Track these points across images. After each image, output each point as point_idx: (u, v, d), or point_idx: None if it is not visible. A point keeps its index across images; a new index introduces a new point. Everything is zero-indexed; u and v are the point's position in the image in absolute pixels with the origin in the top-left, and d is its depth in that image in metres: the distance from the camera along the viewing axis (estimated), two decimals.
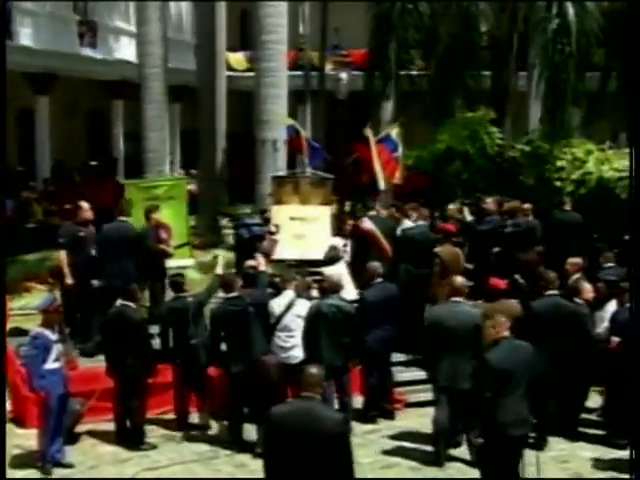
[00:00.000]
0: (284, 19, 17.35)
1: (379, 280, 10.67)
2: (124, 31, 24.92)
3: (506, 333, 7.85)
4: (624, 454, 9.35)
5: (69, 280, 11.21)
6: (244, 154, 24.27)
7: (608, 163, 14.32)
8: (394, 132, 15.07)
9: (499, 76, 16.58)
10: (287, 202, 13.46)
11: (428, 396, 11.01)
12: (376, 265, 10.74)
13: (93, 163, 24.22)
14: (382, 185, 14.38)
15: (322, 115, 21.59)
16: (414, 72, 17.75)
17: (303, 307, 10.04)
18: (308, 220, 13.08)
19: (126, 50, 24.23)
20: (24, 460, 9.44)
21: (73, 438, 9.83)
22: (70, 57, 21.77)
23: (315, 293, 10.78)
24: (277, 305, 10.09)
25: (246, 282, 10.17)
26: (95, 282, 11.35)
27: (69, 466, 9.22)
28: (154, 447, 9.77)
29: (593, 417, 10.68)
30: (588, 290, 10.52)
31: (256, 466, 9.26)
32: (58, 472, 9.11)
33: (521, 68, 16.95)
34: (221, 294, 10.20)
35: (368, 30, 19.74)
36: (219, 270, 10.56)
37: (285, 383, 10.24)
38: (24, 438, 9.92)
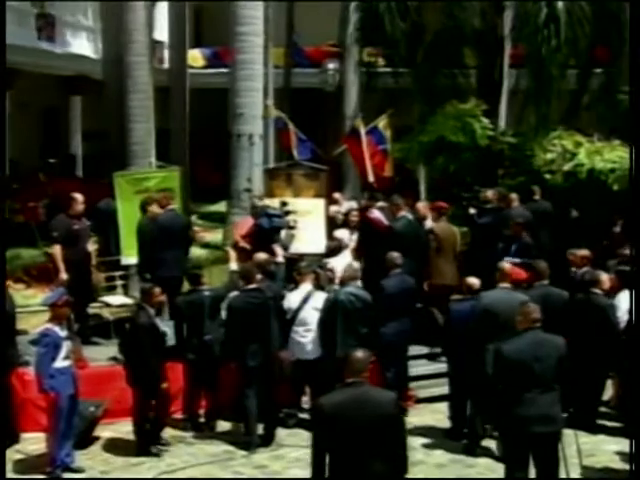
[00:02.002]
0: (260, 11, 16.86)
1: (397, 271, 10.35)
2: (83, 26, 24.16)
3: (533, 324, 7.42)
4: None
5: (64, 275, 10.63)
6: (208, 151, 23.93)
7: (599, 154, 14.15)
8: (381, 124, 14.75)
9: (487, 69, 16.35)
10: (280, 195, 12.97)
11: (436, 391, 10.83)
12: (395, 255, 10.41)
13: (52, 161, 23.44)
14: (371, 178, 14.07)
15: (286, 111, 21.13)
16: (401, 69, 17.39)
17: (321, 300, 9.66)
18: (302, 213, 12.63)
19: (84, 45, 23.48)
20: (27, 465, 8.94)
21: (88, 442, 9.31)
22: (29, 51, 20.96)
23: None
24: (294, 299, 9.70)
25: (264, 275, 9.74)
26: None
27: (79, 470, 8.69)
28: (166, 450, 9.28)
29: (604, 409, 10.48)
30: (606, 281, 10.33)
31: (277, 467, 9.00)
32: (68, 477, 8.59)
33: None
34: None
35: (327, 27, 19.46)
36: (233, 266, 10.14)
37: (300, 380, 9.94)
38: (25, 442, 9.42)
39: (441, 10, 16.42)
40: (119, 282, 12.72)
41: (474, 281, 9.68)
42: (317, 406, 6.06)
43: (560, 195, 14.09)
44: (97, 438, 9.49)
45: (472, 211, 13.36)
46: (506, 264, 9.85)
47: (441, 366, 10.97)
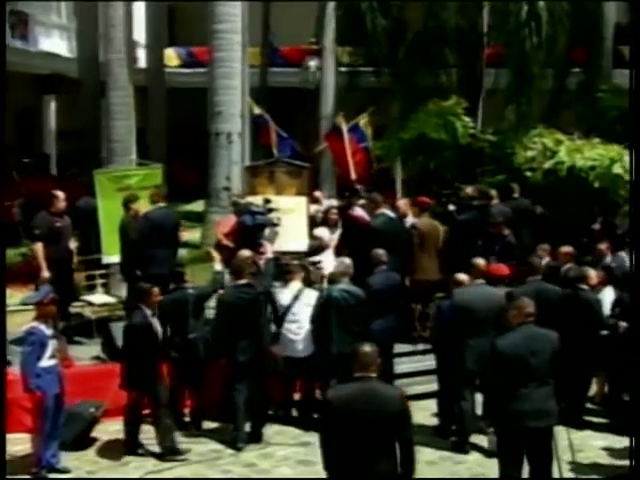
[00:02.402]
0: (238, 8, 16.75)
1: (383, 268, 10.29)
2: (56, 24, 23.94)
3: (527, 319, 7.40)
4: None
5: (46, 273, 10.48)
6: (184, 151, 23.83)
7: (579, 152, 14.20)
8: (362, 122, 14.72)
9: (467, 67, 16.36)
10: (262, 193, 12.88)
11: (419, 389, 10.77)
12: (380, 252, 10.34)
13: (26, 160, 23.21)
14: (354, 175, 14.02)
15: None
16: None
17: (312, 297, 9.62)
18: (284, 211, 12.55)
19: (58, 44, 23.27)
20: (13, 467, 8.67)
21: (86, 443, 9.17)
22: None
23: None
24: (285, 297, 9.65)
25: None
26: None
27: (65, 471, 8.54)
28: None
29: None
30: (594, 277, 10.35)
31: (266, 466, 8.92)
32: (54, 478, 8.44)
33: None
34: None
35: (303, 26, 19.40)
36: (217, 266, 10.05)
37: (292, 376, 9.88)
38: (10, 443, 9.11)
39: (422, 9, 16.41)
40: (99, 281, 12.56)
41: (462, 277, 9.66)
42: (325, 399, 6.05)
43: (540, 193, 14.14)
44: (95, 440, 9.33)
45: (452, 208, 13.36)
46: (479, 260, 9.77)
47: (426, 363, 10.94)
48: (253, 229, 11.28)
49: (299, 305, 9.71)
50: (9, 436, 9.21)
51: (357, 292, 9.65)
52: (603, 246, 12.23)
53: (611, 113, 15.73)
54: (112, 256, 11.85)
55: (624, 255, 12.77)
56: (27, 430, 9.18)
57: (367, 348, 5.99)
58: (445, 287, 12.14)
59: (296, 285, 9.88)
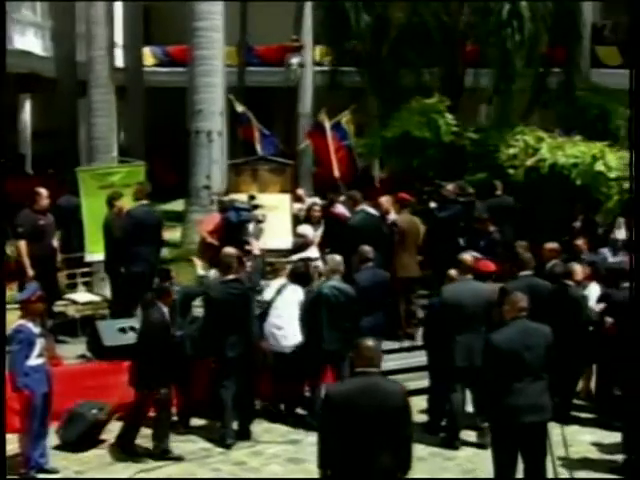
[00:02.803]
0: (218, 6, 16.71)
1: (370, 264, 10.26)
2: (31, 23, 23.70)
3: (520, 313, 7.37)
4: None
5: (30, 271, 10.35)
6: (163, 151, 23.69)
7: (561, 150, 14.26)
8: (344, 120, 14.69)
9: (449, 66, 16.39)
10: (245, 190, 12.85)
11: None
12: (366, 249, 10.31)
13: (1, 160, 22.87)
14: (337, 172, 14.00)
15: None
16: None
17: (296, 292, 9.59)
18: (268, 208, 12.50)
19: (33, 42, 23.04)
20: None
21: (90, 444, 9.04)
22: None
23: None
24: (269, 291, 9.62)
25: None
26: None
27: (53, 471, 8.41)
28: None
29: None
30: (579, 272, 10.36)
31: (256, 464, 8.86)
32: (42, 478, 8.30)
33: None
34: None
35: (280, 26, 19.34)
36: (200, 271, 10.00)
37: (280, 372, 9.83)
38: None
39: (406, 8, 16.41)
40: (80, 279, 12.44)
41: (454, 273, 9.67)
42: (326, 395, 6.01)
43: (522, 190, 14.17)
44: (103, 441, 9.17)
45: (432, 205, 13.35)
46: (467, 255, 9.75)
47: (411, 361, 10.96)
48: (238, 225, 11.22)
49: (281, 300, 9.68)
50: None
51: (347, 289, 9.61)
52: (580, 242, 12.24)
53: (591, 111, 15.83)
54: (95, 254, 11.74)
55: (606, 251, 12.89)
56: (13, 430, 9.03)
57: (370, 342, 5.95)
58: (425, 284, 12.23)
59: (280, 281, 9.86)
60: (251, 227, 11.66)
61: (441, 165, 14.62)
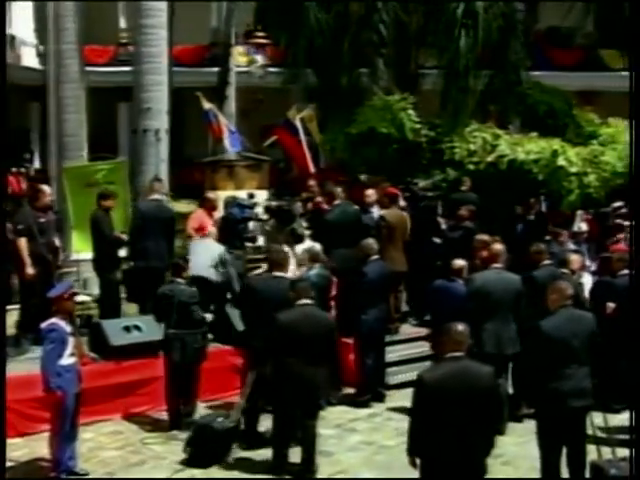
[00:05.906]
0: (164, 3, 16.45)
1: (375, 257, 10.35)
2: None
3: (567, 301, 7.61)
4: (622, 418, 9.42)
5: (30, 270, 10.02)
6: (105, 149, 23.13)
7: (519, 146, 14.67)
8: (291, 114, 14.78)
9: (403, 64, 16.62)
10: (222, 188, 12.81)
11: (401, 378, 10.86)
12: (370, 242, 10.39)
13: None
14: (312, 168, 14.07)
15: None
16: None
17: None
18: None
19: None
20: (19, 473, 8.33)
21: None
22: None
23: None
24: None
25: None
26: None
27: (84, 474, 8.18)
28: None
29: None
30: (575, 261, 10.68)
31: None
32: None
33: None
34: None
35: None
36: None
37: None
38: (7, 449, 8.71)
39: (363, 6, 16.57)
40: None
41: (460, 263, 9.84)
42: (419, 381, 6.08)
43: (481, 185, 14.48)
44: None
45: (402, 203, 13.51)
46: (497, 245, 9.87)
47: (410, 352, 11.11)
48: (241, 222, 11.16)
49: None
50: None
51: (328, 275, 10.02)
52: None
53: (541, 108, 16.29)
54: (83, 252, 11.44)
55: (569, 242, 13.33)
56: (18, 434, 8.97)
57: (460, 327, 6.07)
58: (411, 278, 12.38)
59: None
60: (251, 224, 11.59)
61: (403, 161, 14.81)
